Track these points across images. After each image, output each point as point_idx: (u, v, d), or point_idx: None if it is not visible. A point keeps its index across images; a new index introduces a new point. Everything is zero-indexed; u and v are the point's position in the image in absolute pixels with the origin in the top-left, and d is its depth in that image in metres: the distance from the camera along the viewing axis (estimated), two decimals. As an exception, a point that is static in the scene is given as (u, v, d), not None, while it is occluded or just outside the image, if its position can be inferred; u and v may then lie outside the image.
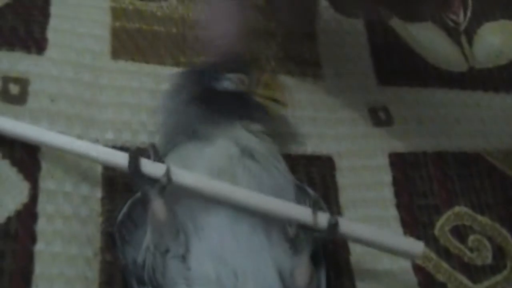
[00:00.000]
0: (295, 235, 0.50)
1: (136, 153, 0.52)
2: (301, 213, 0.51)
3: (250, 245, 0.49)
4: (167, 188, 0.51)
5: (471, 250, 0.63)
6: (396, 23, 0.76)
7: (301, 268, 0.49)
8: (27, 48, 0.62)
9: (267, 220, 0.51)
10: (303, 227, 0.51)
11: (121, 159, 0.53)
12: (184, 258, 0.49)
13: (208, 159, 0.53)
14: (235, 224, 0.50)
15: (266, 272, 0.49)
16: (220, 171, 0.52)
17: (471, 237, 0.64)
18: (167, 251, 0.49)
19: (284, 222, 0.51)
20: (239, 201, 0.51)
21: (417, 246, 0.54)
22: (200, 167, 0.52)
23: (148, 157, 0.52)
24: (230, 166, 0.53)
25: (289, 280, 0.49)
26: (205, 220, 0.50)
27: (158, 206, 0.49)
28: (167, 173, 0.50)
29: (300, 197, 0.55)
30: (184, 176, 0.51)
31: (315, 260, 0.53)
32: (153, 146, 0.53)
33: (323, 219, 0.51)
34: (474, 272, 0.62)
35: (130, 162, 0.51)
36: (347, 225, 0.52)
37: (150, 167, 0.51)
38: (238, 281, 0.48)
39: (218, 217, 0.50)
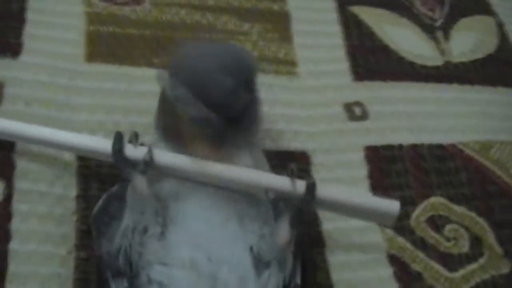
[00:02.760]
0: (274, 200, 0.51)
1: (119, 138, 0.53)
2: (280, 181, 0.52)
3: (225, 232, 0.50)
4: (151, 172, 0.52)
5: (447, 239, 0.63)
6: (371, 21, 0.78)
7: (281, 228, 0.50)
8: (2, 53, 0.64)
9: (241, 207, 0.51)
10: (283, 194, 0.52)
11: (103, 145, 0.54)
12: (161, 238, 0.50)
13: None
14: (210, 212, 0.51)
15: (240, 257, 0.49)
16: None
17: (448, 227, 0.63)
18: (145, 229, 0.50)
19: (264, 191, 0.52)
20: (219, 175, 0.51)
21: (393, 206, 0.54)
22: None
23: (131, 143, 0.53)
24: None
25: (264, 264, 0.50)
26: (183, 207, 0.51)
27: (139, 181, 0.51)
28: (149, 152, 0.52)
29: None
30: (165, 156, 0.52)
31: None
32: (135, 133, 0.54)
33: (301, 185, 0.52)
34: (450, 261, 0.61)
35: (113, 146, 0.52)
36: (324, 188, 0.53)
37: (133, 151, 0.53)
38: (212, 265, 0.48)
39: (194, 205, 0.51)
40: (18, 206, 0.56)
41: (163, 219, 0.50)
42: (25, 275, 0.54)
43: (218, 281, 0.48)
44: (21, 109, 0.61)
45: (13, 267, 0.54)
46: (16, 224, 0.56)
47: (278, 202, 0.51)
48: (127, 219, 0.51)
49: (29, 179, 0.58)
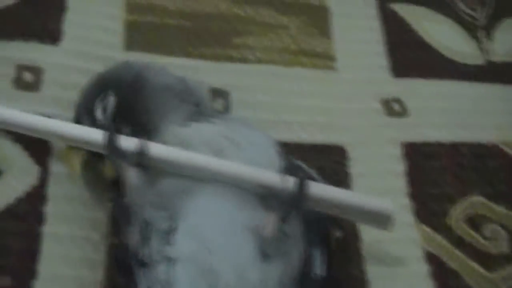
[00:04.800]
0: (264, 196, 0.49)
1: (111, 130, 0.51)
2: (270, 177, 0.50)
3: (226, 222, 0.49)
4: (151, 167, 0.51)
5: (486, 239, 0.61)
6: (411, 18, 0.77)
7: (268, 220, 0.48)
8: (41, 39, 0.64)
9: (244, 197, 0.50)
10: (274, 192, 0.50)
11: (97, 136, 0.53)
12: (167, 235, 0.48)
13: (199, 133, 0.53)
14: (217, 203, 0.50)
15: (242, 251, 0.48)
16: (209, 143, 0.52)
17: (486, 226, 0.62)
18: (148, 225, 0.49)
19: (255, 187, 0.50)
20: (210, 169, 0.50)
21: (387, 207, 0.53)
22: (194, 139, 0.52)
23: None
24: (218, 139, 0.52)
25: (265, 256, 0.48)
26: (189, 199, 0.49)
27: (131, 172, 0.50)
28: (143, 146, 0.50)
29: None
30: (159, 149, 0.51)
31: (310, 238, 0.52)
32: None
33: (291, 181, 0.50)
34: (488, 260, 0.60)
35: (106, 139, 0.51)
36: (316, 185, 0.51)
37: (127, 142, 0.51)
38: (213, 258, 0.47)
39: (201, 196, 0.50)
40: (53, 189, 0.56)
41: (172, 216, 0.49)
42: (57, 258, 0.54)
43: (218, 274, 0.46)
44: (59, 95, 0.61)
45: (46, 249, 0.54)
46: (50, 208, 0.56)
47: (269, 198, 0.49)
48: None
49: (64, 164, 0.59)
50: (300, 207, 0.50)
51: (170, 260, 0.48)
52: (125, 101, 0.54)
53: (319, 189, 0.51)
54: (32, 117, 0.56)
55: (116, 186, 0.52)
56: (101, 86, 0.56)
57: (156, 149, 0.51)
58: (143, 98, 0.55)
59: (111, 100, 0.54)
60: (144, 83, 0.56)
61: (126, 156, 0.51)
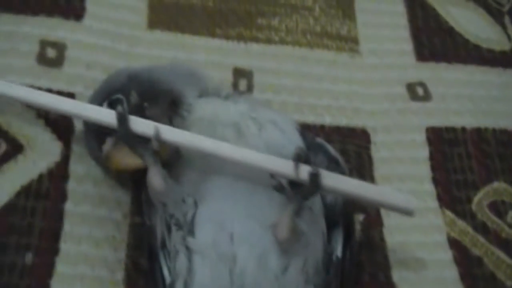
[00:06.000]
0: (277, 187, 0.49)
1: (123, 112, 0.50)
2: (284, 166, 0.49)
3: (249, 209, 0.48)
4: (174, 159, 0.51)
5: (510, 226, 0.61)
6: (436, 3, 0.76)
7: (282, 222, 0.48)
8: (65, 15, 0.63)
9: (267, 185, 0.49)
10: (290, 182, 0.49)
11: (110, 117, 0.51)
12: (186, 225, 0.48)
13: (225, 112, 0.53)
14: (236, 189, 0.49)
15: (261, 235, 0.47)
16: (232, 122, 0.52)
17: (510, 213, 0.61)
18: (171, 216, 0.49)
19: (268, 175, 0.49)
20: (223, 155, 0.49)
21: (407, 202, 0.49)
22: (221, 116, 0.52)
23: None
24: (241, 118, 0.52)
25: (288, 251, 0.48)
26: (209, 187, 0.49)
27: (153, 175, 0.49)
28: (157, 134, 0.49)
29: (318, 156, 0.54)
30: (173, 134, 0.50)
31: (331, 221, 0.52)
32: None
33: (304, 171, 0.48)
34: (512, 248, 0.60)
35: (119, 120, 0.50)
36: (330, 177, 0.49)
37: (139, 124, 0.50)
38: (233, 244, 0.47)
39: (220, 183, 0.49)
40: (75, 168, 0.56)
41: (193, 205, 0.49)
42: (79, 236, 0.53)
43: (238, 261, 0.46)
44: (81, 72, 0.61)
45: (68, 227, 0.53)
46: (72, 185, 0.55)
47: (283, 190, 0.49)
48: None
49: (87, 142, 0.58)
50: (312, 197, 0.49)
51: (191, 249, 0.48)
52: (145, 90, 0.53)
53: (333, 181, 0.48)
54: (50, 96, 0.55)
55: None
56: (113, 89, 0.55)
57: (168, 132, 0.50)
58: (161, 80, 0.54)
59: (133, 94, 0.53)
60: (156, 70, 0.56)
61: (138, 138, 0.50)
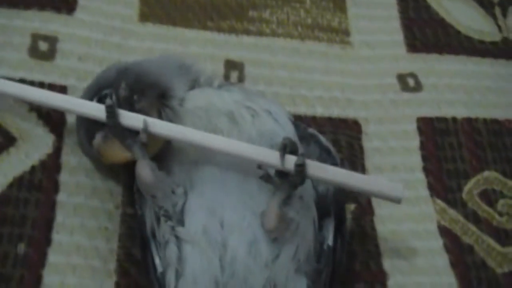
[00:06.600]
0: (264, 177, 0.48)
1: (112, 105, 0.51)
2: (270, 156, 0.49)
3: (240, 197, 0.49)
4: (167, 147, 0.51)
5: (500, 214, 0.61)
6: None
7: (270, 211, 0.48)
8: (57, 9, 0.64)
9: (257, 173, 0.49)
10: (278, 171, 0.49)
11: (99, 111, 0.51)
12: (175, 216, 0.49)
13: (219, 101, 0.53)
14: (227, 178, 0.49)
15: (252, 223, 0.48)
16: (225, 110, 0.52)
17: (501, 202, 0.62)
18: (160, 208, 0.49)
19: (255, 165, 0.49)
20: (210, 147, 0.50)
21: (395, 190, 0.49)
22: (216, 105, 0.52)
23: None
24: (234, 106, 0.52)
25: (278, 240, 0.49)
26: (199, 175, 0.50)
27: (142, 168, 0.49)
28: (145, 127, 0.50)
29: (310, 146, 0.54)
30: (162, 127, 0.50)
31: (322, 210, 0.52)
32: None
33: (291, 161, 0.49)
34: (503, 235, 0.60)
35: (108, 114, 0.50)
36: (316, 167, 0.49)
37: (128, 118, 0.50)
38: (224, 232, 0.47)
39: (211, 172, 0.50)
40: (67, 159, 0.57)
41: (183, 194, 0.49)
42: (72, 227, 0.54)
43: (228, 248, 0.47)
44: (73, 65, 0.61)
45: (60, 218, 0.54)
46: (64, 177, 0.56)
47: (270, 180, 0.49)
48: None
49: (79, 133, 0.58)
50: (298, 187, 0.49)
51: (181, 238, 0.48)
52: (134, 83, 0.53)
53: (319, 171, 0.49)
54: (41, 92, 0.55)
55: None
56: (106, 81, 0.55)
57: (156, 125, 0.50)
58: (150, 73, 0.54)
59: (123, 86, 0.53)
60: (145, 63, 0.56)
61: (128, 131, 0.50)
